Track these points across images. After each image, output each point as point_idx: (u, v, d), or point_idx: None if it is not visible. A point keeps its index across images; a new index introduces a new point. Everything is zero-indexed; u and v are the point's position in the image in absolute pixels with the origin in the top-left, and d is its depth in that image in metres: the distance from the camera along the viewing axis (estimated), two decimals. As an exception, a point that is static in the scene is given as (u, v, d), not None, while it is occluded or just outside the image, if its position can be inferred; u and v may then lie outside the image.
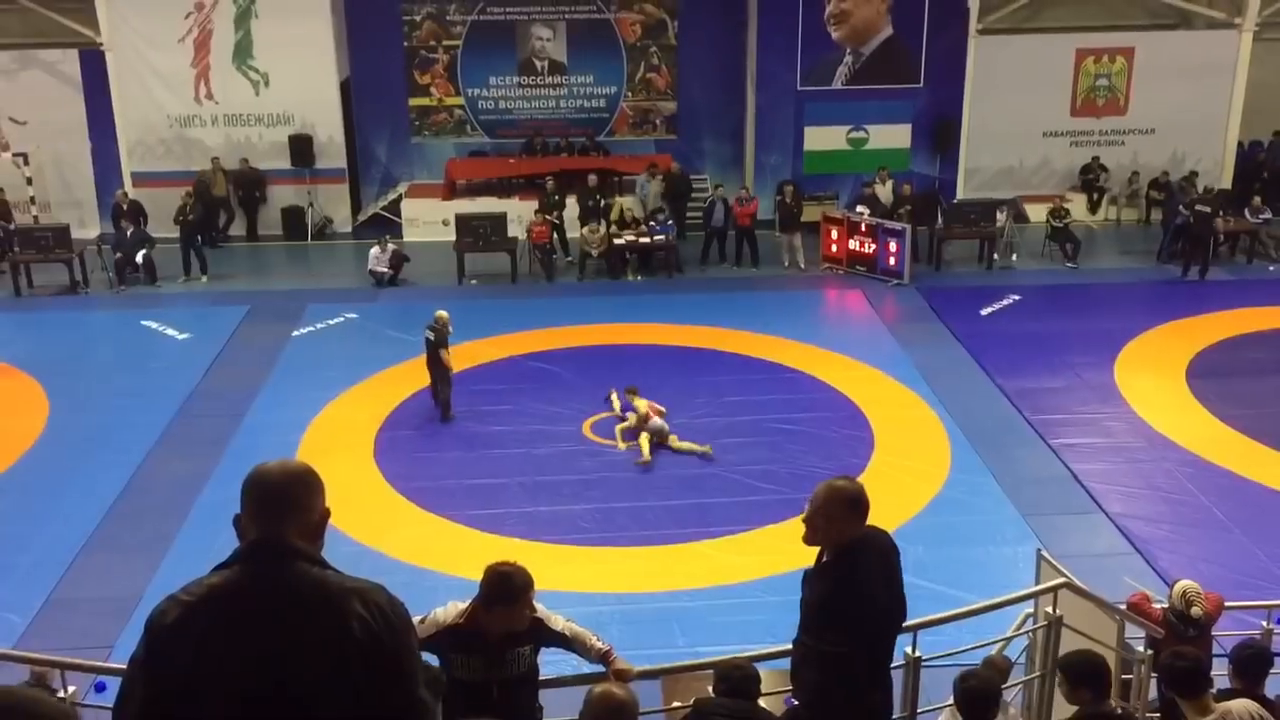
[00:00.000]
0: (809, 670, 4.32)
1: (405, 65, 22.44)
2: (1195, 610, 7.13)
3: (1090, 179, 22.25)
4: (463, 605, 4.78)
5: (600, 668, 5.02)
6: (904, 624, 4.55)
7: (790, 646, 4.52)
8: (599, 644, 5.03)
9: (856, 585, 4.18)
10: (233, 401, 14.47)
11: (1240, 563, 10.82)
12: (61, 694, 5.37)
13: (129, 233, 19.13)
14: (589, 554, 11.19)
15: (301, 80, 20.90)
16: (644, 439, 12.95)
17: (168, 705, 2.67)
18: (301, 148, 21.07)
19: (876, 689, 4.43)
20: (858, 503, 4.22)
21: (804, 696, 4.42)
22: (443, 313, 13.91)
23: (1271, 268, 19.74)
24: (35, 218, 20.33)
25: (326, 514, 2.92)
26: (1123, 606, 7.24)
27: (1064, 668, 4.89)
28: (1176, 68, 21.60)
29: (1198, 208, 19.09)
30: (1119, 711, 4.71)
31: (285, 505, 2.81)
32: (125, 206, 19.82)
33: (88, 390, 14.94)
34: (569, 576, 10.44)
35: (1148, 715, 6.54)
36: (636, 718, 4.17)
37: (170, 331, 17.05)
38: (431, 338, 13.68)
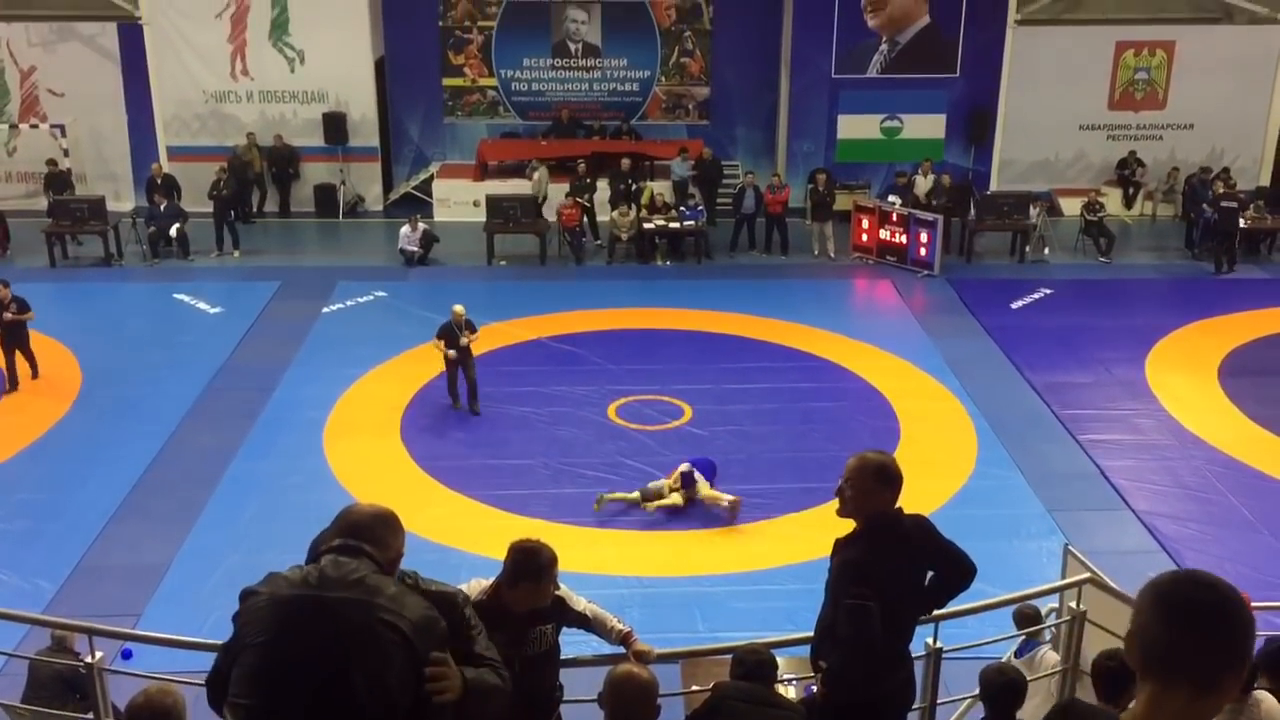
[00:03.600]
0: (831, 643, 4.33)
1: (440, 45, 22.46)
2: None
3: (1126, 174, 22.02)
4: (485, 583, 4.80)
5: (620, 649, 5.04)
6: (971, 577, 4.65)
7: (811, 634, 4.54)
8: (620, 625, 5.04)
9: (882, 556, 4.20)
10: (262, 376, 14.58)
11: (1267, 564, 10.73)
12: (89, 659, 5.44)
13: (163, 206, 19.28)
14: (612, 536, 11.22)
15: (337, 58, 20.97)
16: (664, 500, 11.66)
17: (248, 663, 3.09)
18: (335, 125, 21.15)
19: (897, 671, 4.44)
20: (884, 473, 4.25)
21: (826, 676, 4.43)
22: (459, 307, 13.60)
23: (1308, 267, 19.52)
24: (71, 189, 20.50)
25: (400, 556, 3.36)
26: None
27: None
28: (1217, 63, 21.34)
29: (1224, 204, 18.92)
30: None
31: (368, 535, 3.26)
32: (159, 180, 19.96)
33: (120, 361, 15.08)
34: (592, 559, 10.47)
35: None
36: (657, 699, 4.19)
37: (202, 305, 17.18)
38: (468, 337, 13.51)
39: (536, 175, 20.55)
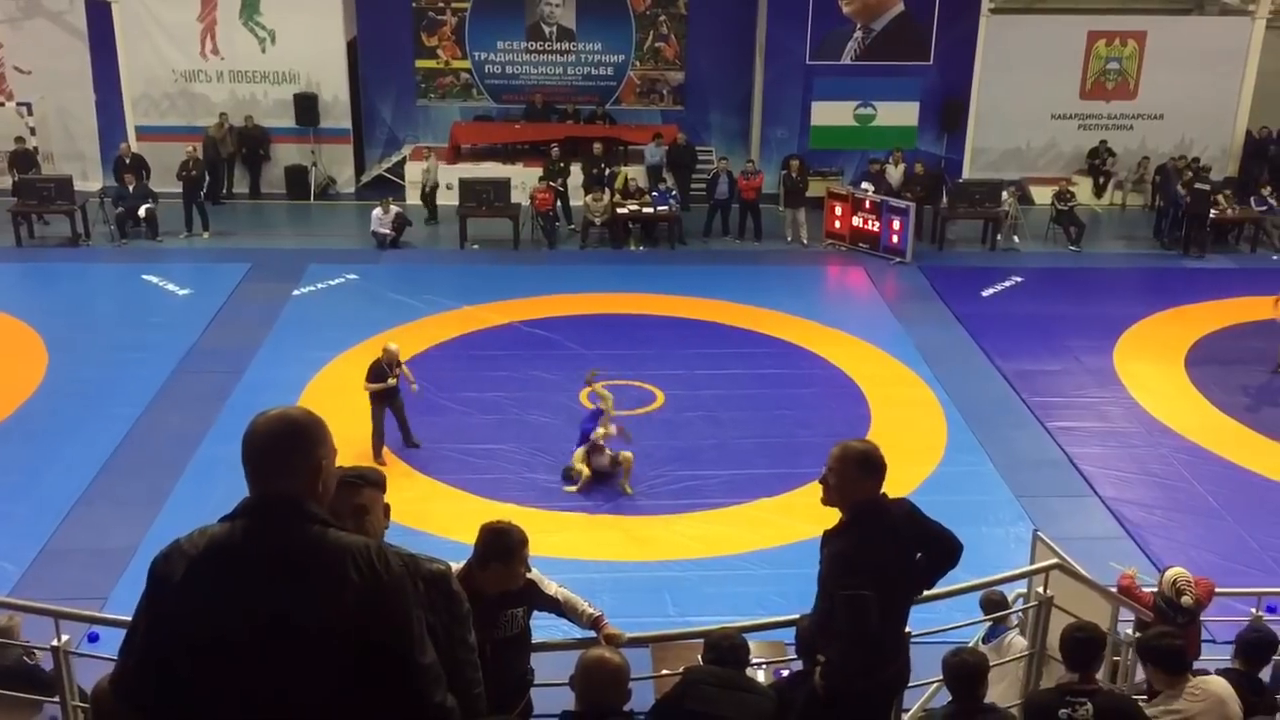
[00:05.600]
0: (829, 636, 4.34)
1: (413, 26, 22.28)
2: (1186, 599, 7.16)
3: (1097, 163, 22.17)
4: (456, 566, 4.78)
5: (591, 633, 5.04)
6: (958, 555, 4.63)
7: (790, 617, 4.55)
8: (590, 609, 5.04)
9: (872, 546, 4.23)
10: (232, 359, 14.47)
11: (1232, 550, 10.87)
12: (54, 642, 5.39)
13: (131, 187, 19.07)
14: (583, 521, 11.24)
15: (308, 38, 20.76)
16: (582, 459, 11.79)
17: (167, 649, 2.73)
18: (306, 106, 20.95)
19: (896, 658, 4.47)
20: (866, 462, 4.27)
21: (825, 668, 4.43)
22: (393, 345, 12.40)
23: (1275, 257, 19.69)
24: (38, 167, 20.25)
25: (328, 461, 2.83)
26: (1113, 590, 7.28)
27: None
28: (1188, 54, 21.47)
29: (1197, 186, 19.12)
30: (1103, 688, 4.76)
31: (276, 460, 2.74)
32: (128, 160, 19.73)
33: (87, 343, 14.93)
34: (563, 543, 10.48)
35: (1135, 697, 6.58)
36: (628, 682, 4.19)
37: (171, 287, 17.02)
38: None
39: (427, 164, 20.43)
